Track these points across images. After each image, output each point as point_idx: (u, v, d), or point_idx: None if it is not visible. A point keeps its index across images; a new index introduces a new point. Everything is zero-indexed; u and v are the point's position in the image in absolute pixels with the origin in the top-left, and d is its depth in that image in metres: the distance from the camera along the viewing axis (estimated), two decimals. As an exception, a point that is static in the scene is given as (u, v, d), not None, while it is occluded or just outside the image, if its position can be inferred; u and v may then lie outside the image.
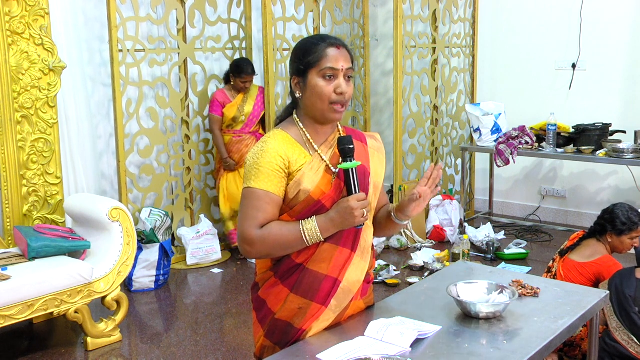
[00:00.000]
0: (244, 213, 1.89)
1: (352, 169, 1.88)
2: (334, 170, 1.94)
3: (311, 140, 1.95)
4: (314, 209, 1.90)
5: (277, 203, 1.89)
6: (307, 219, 1.89)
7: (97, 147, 4.88)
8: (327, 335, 1.95)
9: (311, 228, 1.87)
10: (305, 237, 1.87)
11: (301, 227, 1.87)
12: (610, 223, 3.36)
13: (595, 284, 3.28)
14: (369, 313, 2.09)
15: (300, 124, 1.96)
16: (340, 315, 2.00)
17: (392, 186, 5.80)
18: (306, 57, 1.90)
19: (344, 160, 1.90)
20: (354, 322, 2.02)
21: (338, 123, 2.02)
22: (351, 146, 1.90)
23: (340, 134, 2.01)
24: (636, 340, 2.95)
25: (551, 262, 3.60)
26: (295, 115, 1.98)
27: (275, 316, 1.96)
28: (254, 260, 5.00)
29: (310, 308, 1.93)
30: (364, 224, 1.94)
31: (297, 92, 1.94)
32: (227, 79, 5.11)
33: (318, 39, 1.94)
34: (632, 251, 3.42)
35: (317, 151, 1.94)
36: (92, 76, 4.82)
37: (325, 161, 1.94)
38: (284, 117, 2.03)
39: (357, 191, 1.88)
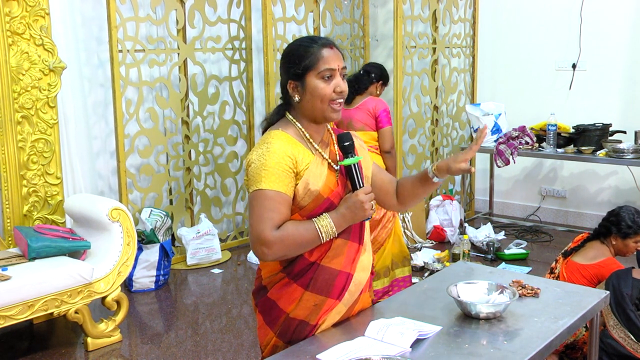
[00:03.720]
0: (257, 215, 1.87)
1: (354, 164, 1.93)
2: (335, 167, 1.97)
3: (311, 139, 1.97)
4: (323, 206, 1.92)
5: (288, 203, 1.90)
6: (320, 216, 1.91)
7: (93, 148, 4.88)
8: (328, 334, 1.95)
9: (326, 225, 1.89)
10: (321, 234, 1.89)
11: (316, 225, 1.89)
12: (616, 225, 3.35)
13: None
14: (371, 312, 2.09)
15: (298, 124, 1.98)
16: (351, 308, 2.03)
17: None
18: (302, 60, 1.91)
19: (346, 157, 1.94)
20: (356, 320, 2.03)
21: (328, 123, 2.04)
22: (351, 142, 1.95)
23: (330, 133, 2.05)
24: (632, 337, 2.96)
25: (554, 262, 3.60)
26: (290, 116, 1.99)
27: (290, 315, 1.97)
28: (255, 261, 5.01)
29: (325, 303, 1.96)
30: (371, 217, 1.96)
31: (296, 96, 1.94)
32: (364, 87, 4.12)
33: (309, 41, 1.95)
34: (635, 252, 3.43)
35: (317, 149, 1.96)
36: (88, 77, 4.82)
37: (326, 159, 1.97)
38: (275, 119, 2.02)
39: (362, 185, 1.93)
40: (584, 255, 3.41)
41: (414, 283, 4.09)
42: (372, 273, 2.11)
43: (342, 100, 1.95)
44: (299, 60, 1.92)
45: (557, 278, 3.42)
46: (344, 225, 1.93)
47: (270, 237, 1.85)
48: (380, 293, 4.00)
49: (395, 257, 4.14)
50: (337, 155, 1.99)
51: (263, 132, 2.02)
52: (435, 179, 2.02)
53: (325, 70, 1.90)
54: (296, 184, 1.90)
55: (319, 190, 1.91)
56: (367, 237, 2.06)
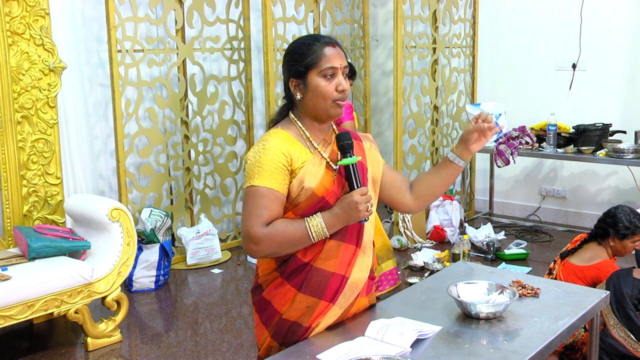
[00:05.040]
0: (248, 212, 1.88)
1: (352, 164, 1.91)
2: (334, 167, 1.96)
3: (310, 138, 1.96)
4: (317, 205, 1.91)
5: (281, 201, 1.89)
6: (312, 215, 1.89)
7: (94, 148, 4.88)
8: (328, 335, 1.95)
9: (317, 224, 1.87)
10: (311, 234, 1.87)
11: (307, 224, 1.87)
12: (613, 227, 3.34)
13: (594, 287, 3.28)
14: (370, 313, 2.09)
15: (299, 123, 1.97)
16: (346, 312, 2.01)
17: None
18: (304, 58, 1.91)
19: (344, 156, 1.92)
20: (354, 322, 2.02)
21: (332, 122, 2.04)
22: (350, 142, 1.93)
23: (335, 132, 2.04)
24: (633, 337, 2.96)
25: (552, 263, 3.60)
26: (292, 115, 2.00)
27: (283, 316, 1.96)
28: (254, 261, 5.01)
29: (319, 306, 1.94)
30: (368, 218, 1.95)
31: (298, 94, 1.94)
32: None
33: (312, 40, 1.94)
34: (633, 252, 3.43)
35: (316, 149, 1.95)
36: (89, 77, 4.82)
37: (325, 158, 1.96)
38: (279, 119, 2.03)
39: (359, 186, 1.91)
40: (580, 257, 3.41)
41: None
42: (372, 277, 2.08)
43: (344, 98, 1.94)
44: (301, 58, 1.91)
45: (555, 279, 3.42)
46: (338, 225, 1.90)
47: (258, 233, 1.84)
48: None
49: (380, 251, 4.14)
50: (339, 155, 1.97)
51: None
52: (460, 162, 2.04)
53: (327, 68, 1.90)
54: (291, 182, 1.90)
55: (313, 189, 1.90)
56: (368, 239, 2.03)
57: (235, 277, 4.85)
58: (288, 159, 1.89)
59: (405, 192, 2.12)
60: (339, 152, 1.97)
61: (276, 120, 2.04)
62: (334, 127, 2.05)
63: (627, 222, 3.32)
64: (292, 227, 1.87)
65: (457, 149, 2.04)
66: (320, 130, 1.99)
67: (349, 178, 1.92)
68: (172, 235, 4.86)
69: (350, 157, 1.92)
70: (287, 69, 1.96)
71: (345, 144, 1.92)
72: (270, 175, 1.87)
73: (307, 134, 1.96)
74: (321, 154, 1.95)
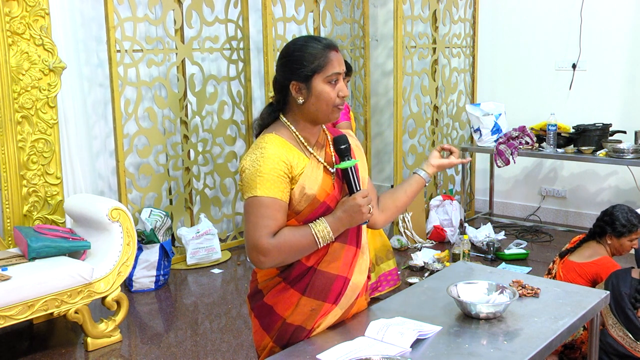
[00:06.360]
0: (253, 223, 1.84)
1: (351, 167, 1.90)
2: (331, 170, 1.95)
3: (305, 143, 1.94)
4: (320, 210, 1.90)
5: (284, 209, 1.87)
6: (316, 221, 1.89)
7: (93, 148, 4.88)
8: (328, 335, 1.95)
9: (322, 229, 1.87)
10: (318, 239, 1.87)
11: (312, 230, 1.87)
12: (610, 225, 3.36)
13: (593, 285, 3.29)
14: (370, 313, 2.09)
15: (292, 127, 1.94)
16: (346, 312, 2.02)
17: (392, 186, 5.80)
18: (311, 63, 1.87)
19: (342, 160, 1.91)
20: (354, 322, 2.03)
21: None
22: (347, 145, 1.92)
23: (326, 133, 2.02)
24: (631, 336, 2.97)
25: (551, 263, 3.61)
26: (284, 119, 1.96)
27: (287, 321, 1.95)
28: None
29: (322, 308, 1.95)
30: (368, 220, 1.95)
31: (300, 98, 1.90)
32: None
33: (313, 42, 1.91)
34: (632, 251, 3.43)
35: (312, 153, 1.94)
36: (88, 77, 4.82)
37: (322, 162, 1.94)
38: (269, 121, 1.98)
39: (359, 188, 1.91)
40: (580, 255, 3.43)
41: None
42: (368, 277, 2.09)
43: (344, 103, 1.94)
44: (306, 62, 1.87)
45: (554, 278, 3.43)
46: (341, 229, 1.90)
47: (266, 245, 1.82)
48: (369, 290, 3.99)
49: (379, 251, 4.13)
50: (333, 157, 1.96)
51: (256, 135, 1.98)
52: (421, 173, 2.16)
53: (332, 74, 1.88)
54: (292, 189, 1.87)
55: (315, 194, 1.89)
56: (365, 240, 2.04)
57: (235, 277, 4.85)
58: (288, 166, 1.86)
59: (375, 205, 2.12)
60: (333, 154, 1.96)
61: (265, 123, 1.99)
62: (324, 128, 2.03)
63: (624, 220, 3.34)
64: (299, 235, 1.86)
65: (423, 165, 2.17)
66: (313, 134, 1.96)
67: (347, 181, 1.91)
68: (172, 235, 4.86)
69: (349, 160, 1.91)
70: (288, 71, 1.91)
71: (343, 147, 1.91)
72: (272, 185, 1.84)
73: (301, 138, 1.93)
74: (317, 159, 1.94)
